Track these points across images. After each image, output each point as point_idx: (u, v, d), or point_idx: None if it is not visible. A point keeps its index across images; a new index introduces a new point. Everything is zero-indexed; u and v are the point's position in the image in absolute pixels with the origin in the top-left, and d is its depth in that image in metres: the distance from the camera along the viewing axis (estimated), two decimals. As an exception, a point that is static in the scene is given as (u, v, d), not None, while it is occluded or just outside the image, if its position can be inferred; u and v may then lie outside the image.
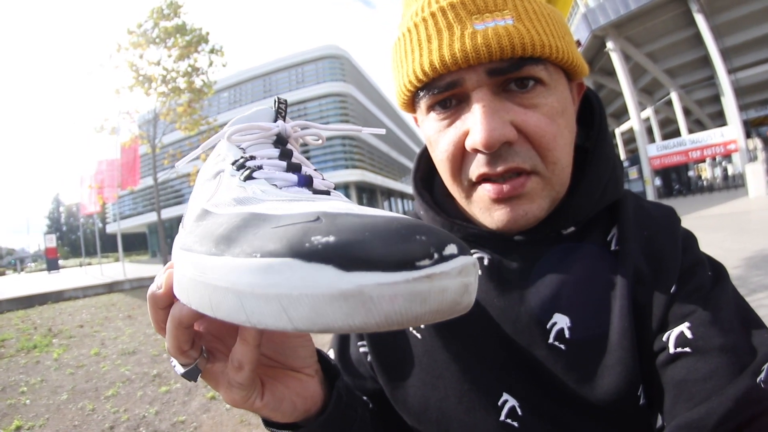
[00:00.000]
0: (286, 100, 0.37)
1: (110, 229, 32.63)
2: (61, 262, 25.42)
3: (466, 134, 0.44)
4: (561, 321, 0.48)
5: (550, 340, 0.48)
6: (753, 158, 14.97)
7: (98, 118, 9.07)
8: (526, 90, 0.43)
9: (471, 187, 0.48)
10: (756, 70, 17.89)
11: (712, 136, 16.33)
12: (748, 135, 16.68)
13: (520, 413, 0.48)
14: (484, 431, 0.49)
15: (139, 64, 8.05)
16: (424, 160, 0.61)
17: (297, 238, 0.19)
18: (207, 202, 0.31)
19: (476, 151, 0.44)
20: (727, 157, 16.89)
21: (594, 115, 0.54)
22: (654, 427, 0.49)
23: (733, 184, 17.43)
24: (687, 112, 21.03)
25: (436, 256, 0.18)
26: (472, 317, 0.51)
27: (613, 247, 0.50)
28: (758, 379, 0.37)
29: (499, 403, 0.49)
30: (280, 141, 0.35)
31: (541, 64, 0.42)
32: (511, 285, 0.52)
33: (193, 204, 0.34)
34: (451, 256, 0.19)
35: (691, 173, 17.79)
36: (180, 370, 0.33)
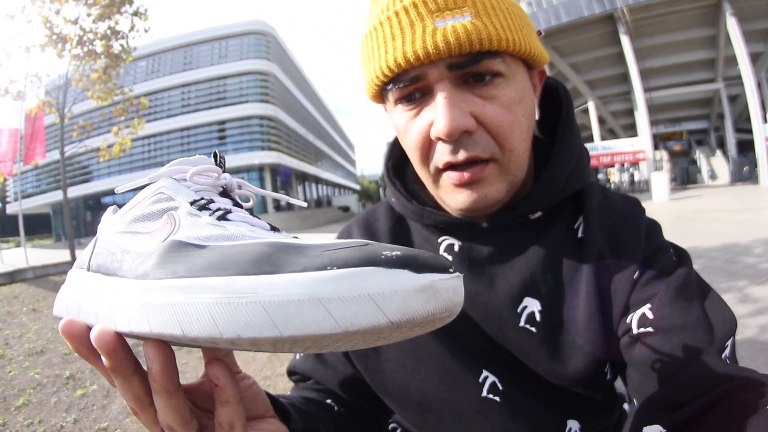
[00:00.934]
0: (224, 156, 0.38)
1: (10, 209, 28.70)
2: (-50, 247, 21.86)
3: (431, 125, 0.47)
4: (532, 305, 0.51)
5: (522, 323, 0.51)
6: (659, 168, 16.85)
7: (2, 80, 7.77)
8: (484, 83, 0.45)
9: (437, 173, 0.50)
10: (669, 91, 20.37)
11: (623, 144, 18.14)
12: (656, 147, 18.77)
13: (501, 388, 0.51)
14: (468, 407, 0.51)
15: (54, 21, 7.00)
16: (396, 149, 0.63)
17: (369, 252, 0.22)
18: (174, 235, 0.28)
19: (439, 139, 0.46)
20: (635, 164, 18.83)
21: (561, 106, 0.56)
22: (615, 391, 0.56)
23: (639, 188, 19.51)
24: (602, 121, 23.14)
25: (453, 269, 0.23)
26: None
27: (579, 235, 0.53)
28: (723, 356, 0.40)
29: (480, 380, 0.51)
30: (225, 193, 0.36)
31: (499, 57, 0.44)
32: (481, 271, 0.54)
33: (129, 240, 0.30)
34: (456, 270, 0.24)
35: (600, 176, 19.71)
36: None
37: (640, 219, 0.53)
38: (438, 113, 0.44)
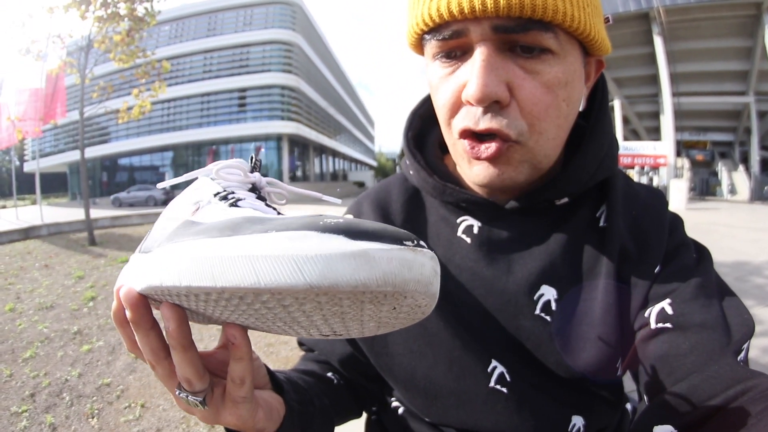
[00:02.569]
0: (261, 159, 0.41)
1: (28, 167, 29.24)
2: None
3: (464, 86, 0.43)
4: (548, 293, 0.49)
5: (537, 311, 0.49)
6: (679, 175, 16.48)
7: (25, 39, 7.80)
8: (531, 55, 0.41)
9: (458, 138, 0.47)
10: (698, 99, 19.65)
11: (645, 147, 17.62)
12: (678, 154, 18.31)
13: (508, 379, 0.49)
14: (474, 397, 0.50)
15: (78, -18, 7.00)
16: (418, 118, 0.60)
17: (310, 219, 0.23)
18: (193, 217, 0.32)
19: (468, 102, 0.43)
20: (655, 169, 18.41)
21: (596, 91, 0.53)
22: (623, 390, 0.54)
23: (656, 193, 19.09)
24: (626, 121, 22.58)
25: (415, 241, 0.23)
26: (461, 286, 0.52)
27: (601, 224, 0.52)
28: (739, 358, 0.39)
29: (489, 370, 0.50)
30: (254, 190, 0.38)
31: (551, 31, 0.40)
32: (499, 255, 0.52)
33: (165, 225, 0.34)
34: (424, 246, 0.23)
35: (619, 177, 19.27)
36: (193, 401, 0.33)
37: (664, 212, 0.52)
38: (472, 75, 0.41)
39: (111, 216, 11.54)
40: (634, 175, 20.14)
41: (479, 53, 0.41)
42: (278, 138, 25.46)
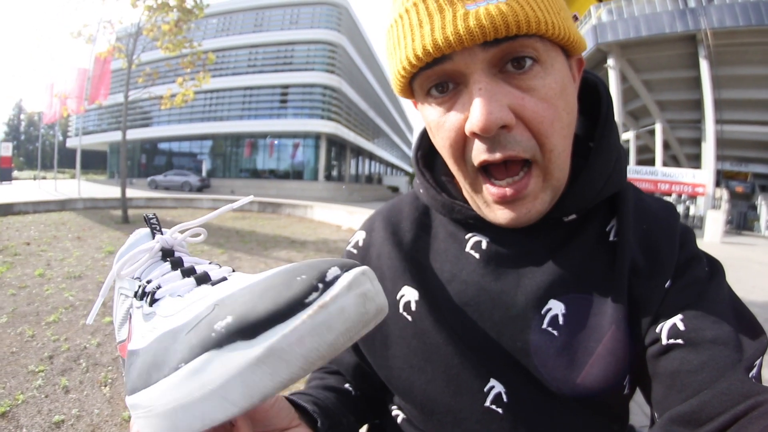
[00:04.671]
0: (154, 215, 0.39)
1: (70, 143, 30.61)
2: (14, 173, 23.68)
3: (465, 119, 0.43)
4: (556, 307, 0.49)
5: (544, 326, 0.49)
6: (717, 206, 15.74)
7: (77, 24, 8.24)
8: (523, 71, 0.42)
9: (475, 175, 0.47)
10: (742, 128, 18.71)
11: (684, 174, 16.99)
12: (717, 184, 17.47)
13: (505, 399, 0.49)
14: (469, 415, 0.49)
15: (132, -29, 7.34)
16: (426, 138, 0.60)
17: (205, 333, 0.22)
18: (131, 343, 0.32)
19: (474, 135, 0.43)
20: (693, 198, 17.70)
21: (601, 104, 0.53)
22: (628, 412, 0.52)
23: (692, 224, 18.36)
24: (666, 146, 21.79)
25: (320, 286, 0.20)
26: (466, 302, 0.52)
27: (611, 238, 0.51)
28: (750, 375, 0.39)
29: (486, 389, 0.49)
30: (167, 254, 0.36)
31: (536, 39, 0.41)
32: (508, 270, 0.52)
33: (125, 352, 0.34)
34: (335, 279, 0.21)
35: (655, 205, 18.56)
36: None
37: (675, 225, 0.51)
38: (474, 106, 0.41)
39: (146, 197, 12.02)
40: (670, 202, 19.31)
41: (475, 82, 0.41)
42: (317, 137, 25.66)
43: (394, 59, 0.46)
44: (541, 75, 0.42)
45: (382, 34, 0.50)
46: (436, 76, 0.44)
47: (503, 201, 0.46)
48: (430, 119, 0.48)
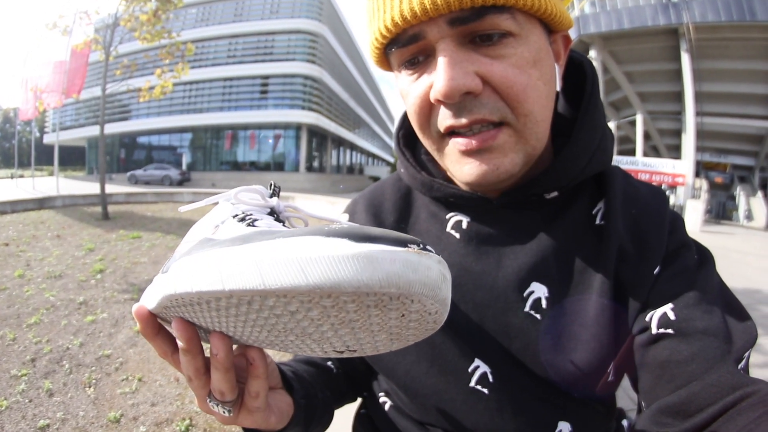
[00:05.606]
0: (279, 186, 0.43)
1: (47, 139, 29.66)
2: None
3: (431, 87, 0.43)
4: (539, 290, 0.48)
5: (526, 309, 0.48)
6: (696, 196, 16.13)
7: (52, 15, 7.96)
8: (492, 42, 0.41)
9: (441, 139, 0.47)
10: (721, 120, 19.17)
11: (664, 164, 17.29)
12: (697, 174, 17.89)
13: (491, 380, 0.48)
14: (454, 396, 0.49)
15: (107, -41, 7.13)
16: (407, 118, 0.60)
17: (315, 227, 0.24)
18: (208, 235, 0.33)
19: (439, 102, 0.43)
20: (673, 188, 18.10)
21: (586, 83, 0.52)
22: (615, 399, 0.52)
23: (671, 213, 18.77)
24: (647, 137, 22.17)
25: (421, 245, 0.23)
26: None
27: (598, 221, 0.50)
28: (740, 366, 0.39)
29: (470, 369, 0.49)
30: (273, 214, 0.39)
31: (507, 12, 0.40)
32: (489, 250, 0.51)
33: (185, 246, 0.36)
34: (431, 251, 0.23)
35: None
36: (222, 409, 0.36)
37: (664, 211, 0.50)
38: (437, 72, 0.41)
39: (126, 192, 11.73)
40: (650, 192, 19.72)
41: (440, 50, 0.41)
42: (297, 127, 25.45)
43: (370, 30, 0.46)
44: (513, 45, 0.41)
45: (362, 7, 0.50)
46: (408, 50, 0.43)
47: (470, 152, 0.44)
48: (401, 89, 0.48)
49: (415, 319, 0.25)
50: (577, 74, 0.54)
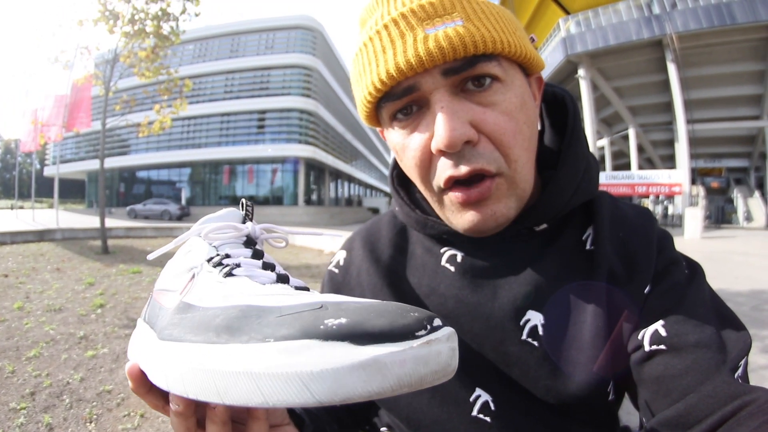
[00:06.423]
0: (251, 203, 0.40)
1: (48, 172, 29.90)
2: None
3: (431, 138, 0.44)
4: (535, 318, 0.49)
5: (523, 337, 0.49)
6: (694, 203, 16.21)
7: (54, 48, 8.17)
8: (483, 88, 0.43)
9: (441, 193, 0.48)
10: (712, 125, 19.49)
11: (660, 175, 17.46)
12: (693, 182, 18.02)
13: (493, 408, 0.49)
14: (457, 426, 0.49)
15: (108, -2, 7.33)
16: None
17: (310, 322, 0.22)
18: (186, 296, 0.32)
19: (440, 152, 0.44)
20: (670, 197, 18.20)
21: (567, 116, 0.55)
22: (617, 419, 0.53)
23: (671, 223, 18.82)
24: (640, 149, 22.43)
25: (428, 327, 0.21)
26: (446, 313, 0.52)
27: (588, 247, 0.52)
28: (736, 375, 0.39)
29: (471, 399, 0.49)
30: (250, 242, 0.37)
31: (494, 60, 0.43)
32: (484, 281, 0.53)
33: (165, 297, 0.34)
34: (439, 327, 0.22)
35: (634, 206, 19.03)
36: None
37: (651, 231, 0.52)
38: (438, 124, 0.42)
39: (126, 227, 11.76)
40: (649, 204, 19.86)
41: (437, 101, 0.43)
42: (295, 161, 25.76)
43: (360, 86, 0.48)
44: (501, 91, 0.44)
45: (350, 64, 0.52)
46: (401, 101, 0.45)
47: (468, 202, 0.46)
48: (395, 143, 0.49)
49: (434, 383, 0.23)
50: (558, 107, 0.57)
